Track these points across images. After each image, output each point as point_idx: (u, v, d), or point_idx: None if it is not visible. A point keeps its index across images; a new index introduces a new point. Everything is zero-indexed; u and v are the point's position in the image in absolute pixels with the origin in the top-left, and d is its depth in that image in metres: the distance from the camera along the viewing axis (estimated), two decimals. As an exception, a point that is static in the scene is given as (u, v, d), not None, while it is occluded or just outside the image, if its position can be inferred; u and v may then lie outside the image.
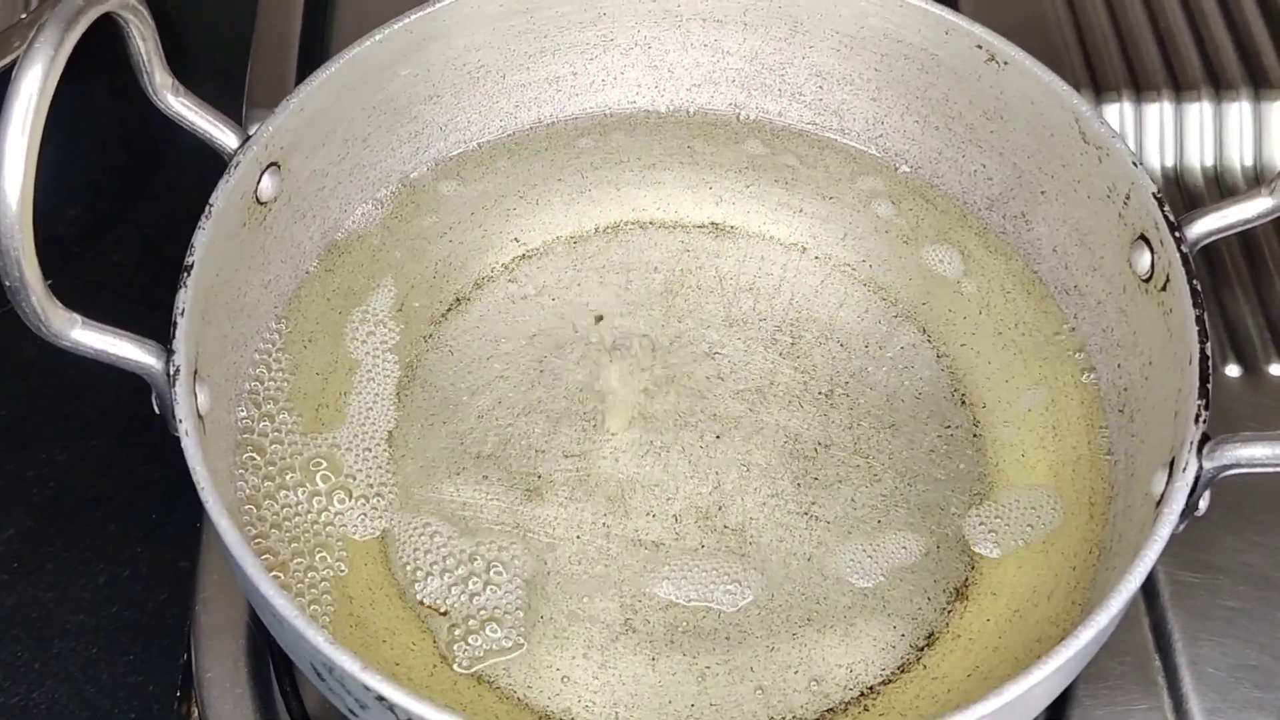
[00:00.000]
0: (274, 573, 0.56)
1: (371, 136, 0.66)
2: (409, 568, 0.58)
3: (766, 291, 0.66)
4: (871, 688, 0.56)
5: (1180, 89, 0.77)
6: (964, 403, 0.63)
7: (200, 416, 0.55)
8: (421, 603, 0.57)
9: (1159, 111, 0.77)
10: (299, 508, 0.59)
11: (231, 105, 0.74)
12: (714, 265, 0.67)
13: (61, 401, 0.69)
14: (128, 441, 0.68)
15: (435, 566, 0.58)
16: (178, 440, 0.53)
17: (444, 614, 0.57)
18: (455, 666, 0.56)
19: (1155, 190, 0.59)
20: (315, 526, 0.59)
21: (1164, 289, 0.58)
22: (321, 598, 0.57)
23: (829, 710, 0.56)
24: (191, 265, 0.56)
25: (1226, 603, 0.63)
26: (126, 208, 0.74)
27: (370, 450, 0.61)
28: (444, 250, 0.67)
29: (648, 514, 0.60)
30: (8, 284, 0.50)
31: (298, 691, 0.61)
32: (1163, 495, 0.53)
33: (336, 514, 0.59)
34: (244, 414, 0.61)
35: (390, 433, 0.62)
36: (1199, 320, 0.56)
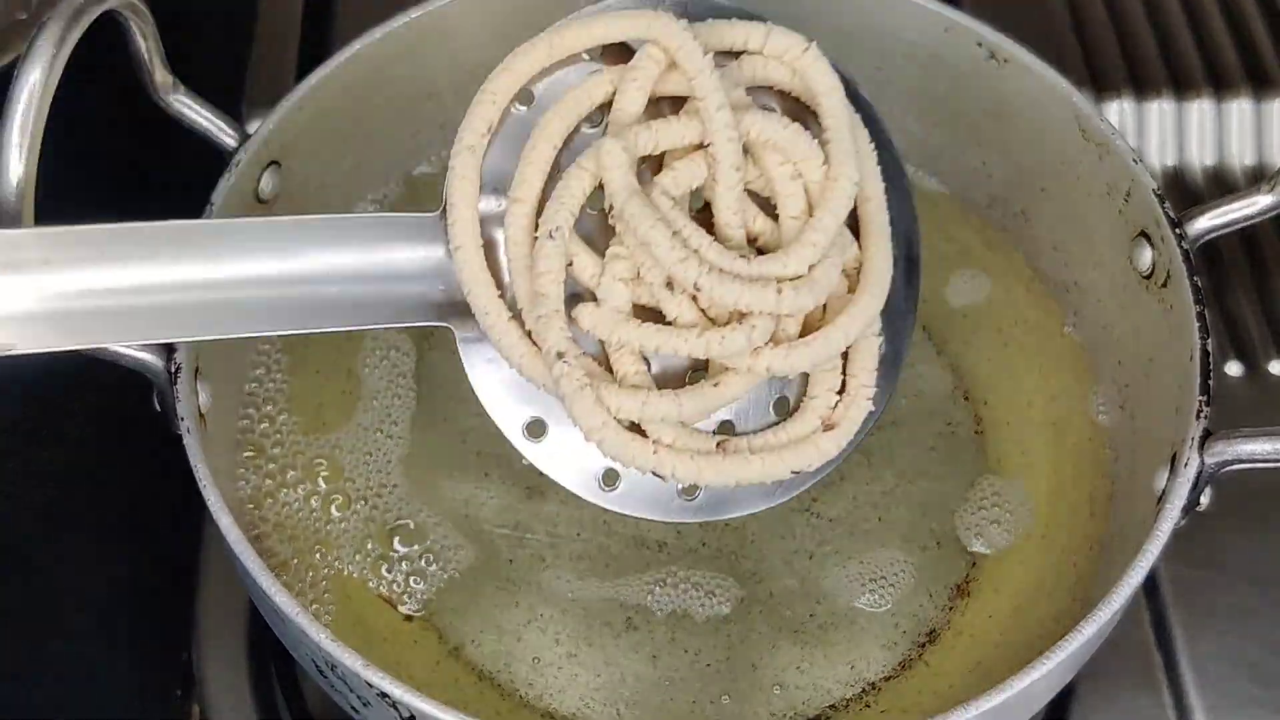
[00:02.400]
0: (276, 572, 0.56)
1: (372, 134, 0.66)
2: (410, 565, 0.58)
3: (767, 289, 0.66)
4: (873, 684, 0.56)
5: (1181, 88, 0.77)
6: (965, 399, 0.63)
7: (201, 415, 0.55)
8: (387, 591, 0.57)
9: (1159, 110, 0.77)
10: (300, 506, 0.59)
11: (232, 103, 0.75)
12: (714, 263, 0.67)
13: (61, 400, 0.69)
14: (128, 440, 0.68)
15: (436, 564, 0.58)
16: (179, 439, 0.53)
17: (436, 609, 0.57)
18: (456, 660, 0.56)
19: (1155, 187, 0.59)
20: (316, 525, 0.59)
21: (1165, 286, 0.58)
22: (323, 596, 0.57)
23: (830, 707, 0.56)
24: (192, 263, 0.56)
25: (1227, 599, 0.63)
26: (127, 206, 0.73)
27: (371, 449, 0.61)
28: (444, 249, 0.67)
29: (649, 511, 0.60)
30: (9, 281, 0.50)
31: (299, 690, 0.61)
32: (1164, 491, 0.53)
33: (337, 512, 0.59)
34: (245, 413, 0.61)
35: (391, 431, 0.62)
36: (1200, 316, 0.56)
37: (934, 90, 0.67)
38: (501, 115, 0.50)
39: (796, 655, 0.57)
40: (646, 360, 0.49)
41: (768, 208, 0.49)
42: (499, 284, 0.49)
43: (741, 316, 0.48)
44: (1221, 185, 0.75)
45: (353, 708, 0.52)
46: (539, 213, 0.49)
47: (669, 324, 0.48)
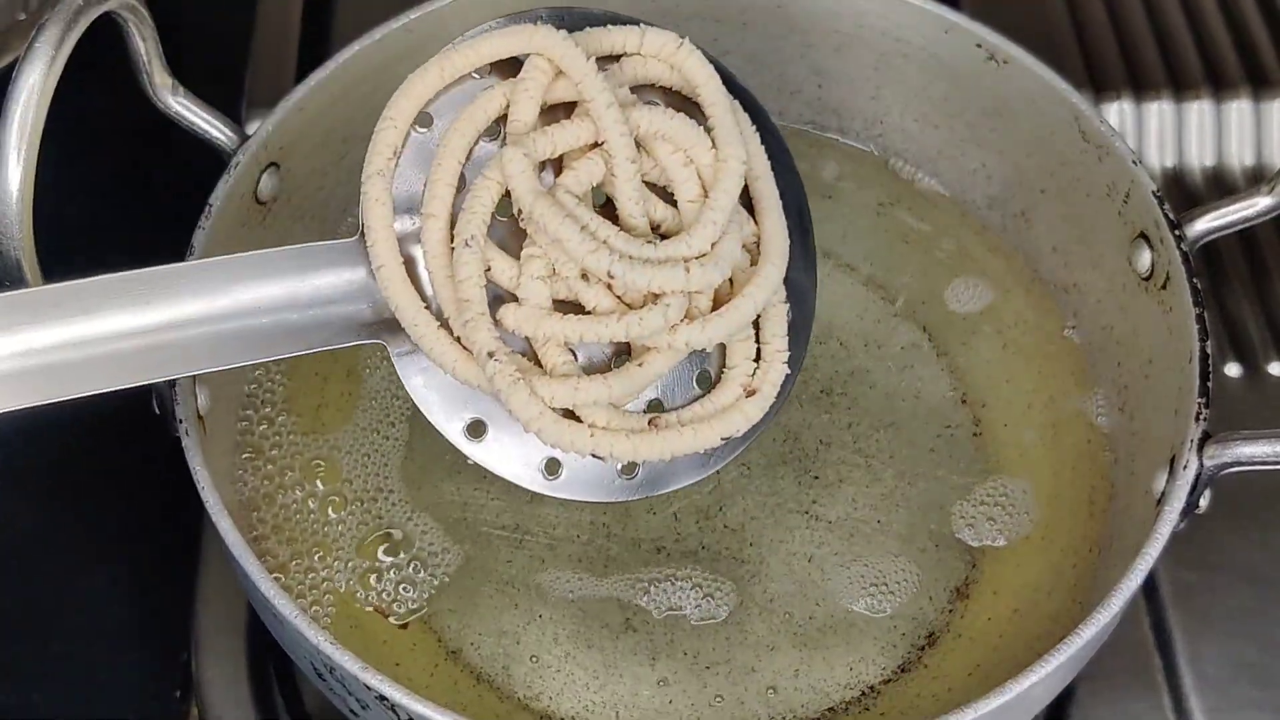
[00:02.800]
0: (274, 574, 0.56)
1: (371, 136, 0.66)
2: (400, 572, 0.58)
3: (766, 291, 0.66)
4: (873, 687, 0.56)
5: (1180, 89, 0.77)
6: (964, 401, 0.63)
7: (200, 417, 0.55)
8: (378, 600, 0.57)
9: (1158, 111, 0.77)
10: (298, 508, 0.59)
11: (231, 105, 0.74)
12: (714, 265, 0.67)
13: (61, 401, 0.69)
14: (128, 442, 0.67)
15: (430, 567, 0.58)
16: (178, 441, 0.53)
17: (435, 610, 0.57)
18: (454, 663, 0.56)
19: (1155, 188, 0.59)
20: (315, 527, 0.59)
21: (1164, 287, 0.58)
22: (322, 598, 0.57)
23: (829, 709, 0.56)
24: (191, 265, 0.56)
25: (1226, 601, 0.63)
26: (125, 208, 0.73)
27: (369, 451, 0.61)
28: (444, 250, 0.67)
29: (648, 513, 0.60)
30: (7, 283, 0.50)
31: (298, 691, 0.61)
32: (1163, 493, 0.53)
33: (335, 515, 0.59)
34: (244, 414, 0.61)
35: (389, 432, 0.62)
36: (1199, 318, 0.56)
37: (933, 91, 0.67)
38: (404, 139, 0.52)
39: (795, 658, 0.57)
40: (573, 352, 0.51)
41: (666, 196, 0.52)
42: (423, 297, 0.52)
43: (655, 298, 0.50)
44: (1221, 186, 0.75)
45: (351, 710, 0.52)
46: (453, 225, 0.51)
47: (589, 313, 0.51)
